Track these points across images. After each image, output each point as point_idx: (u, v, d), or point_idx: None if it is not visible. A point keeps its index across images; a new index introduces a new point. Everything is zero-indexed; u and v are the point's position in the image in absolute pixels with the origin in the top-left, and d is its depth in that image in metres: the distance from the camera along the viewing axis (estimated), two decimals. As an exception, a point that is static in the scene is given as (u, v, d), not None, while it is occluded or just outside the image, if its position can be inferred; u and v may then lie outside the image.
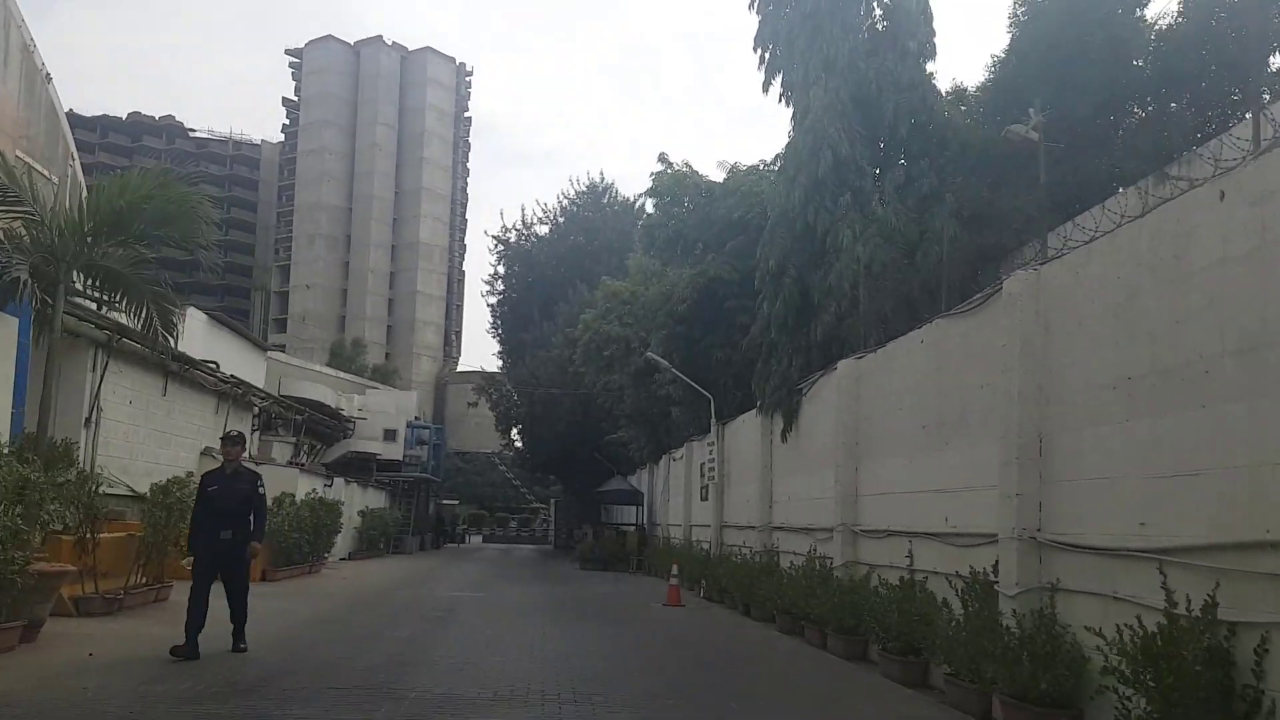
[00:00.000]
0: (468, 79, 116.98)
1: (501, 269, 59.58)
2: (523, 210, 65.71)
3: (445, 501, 68.92)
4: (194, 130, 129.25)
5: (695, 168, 26.42)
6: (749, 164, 25.46)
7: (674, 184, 26.16)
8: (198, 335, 30.38)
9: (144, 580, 16.38)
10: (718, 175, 25.64)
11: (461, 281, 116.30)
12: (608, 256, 52.97)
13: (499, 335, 60.89)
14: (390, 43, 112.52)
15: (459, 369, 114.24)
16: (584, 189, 56.96)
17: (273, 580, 23.87)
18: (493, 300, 60.49)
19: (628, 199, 56.98)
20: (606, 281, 37.68)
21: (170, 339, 15.72)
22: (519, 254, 58.71)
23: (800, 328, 17.73)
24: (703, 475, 27.04)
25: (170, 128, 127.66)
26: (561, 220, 58.34)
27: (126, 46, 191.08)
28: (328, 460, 43.68)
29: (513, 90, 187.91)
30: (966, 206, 16.38)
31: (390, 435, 46.17)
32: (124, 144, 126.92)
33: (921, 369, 12.51)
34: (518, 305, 58.08)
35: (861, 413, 14.49)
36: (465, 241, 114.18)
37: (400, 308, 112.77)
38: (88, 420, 22.56)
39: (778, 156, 25.39)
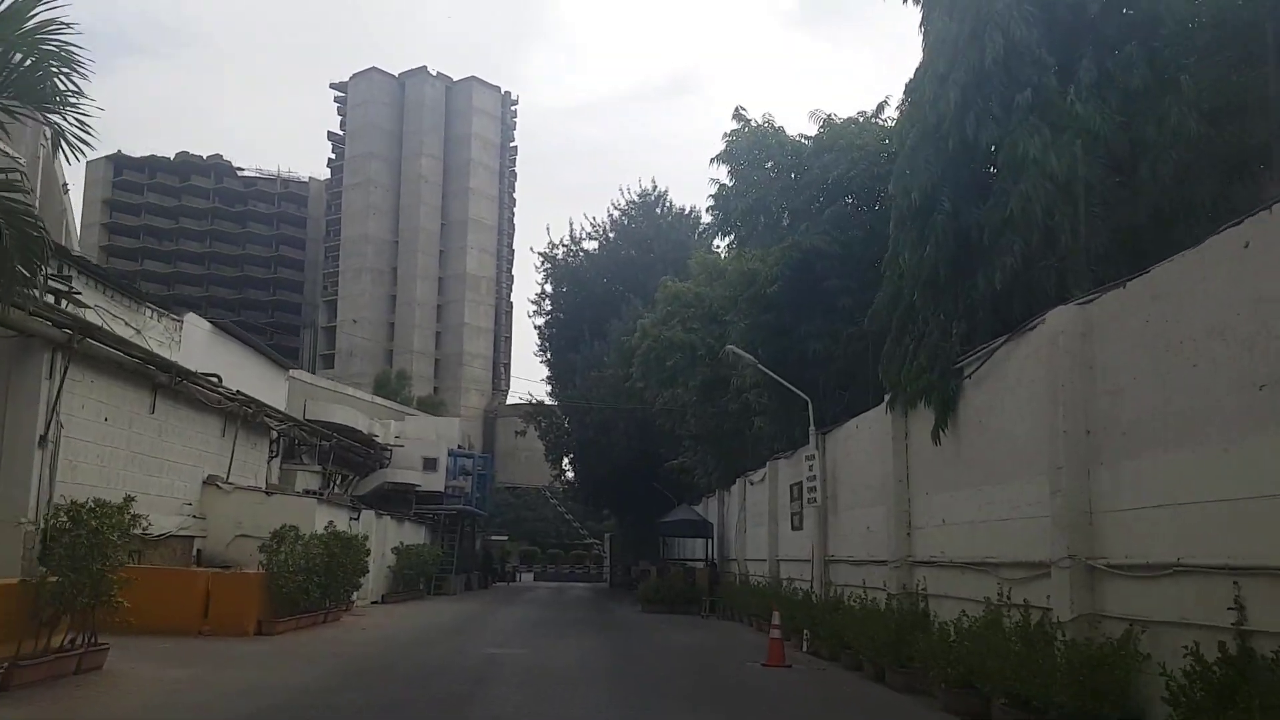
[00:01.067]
0: (513, 107, 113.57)
1: (549, 288, 55.00)
2: (570, 225, 61.77)
3: (494, 538, 63.99)
4: (242, 169, 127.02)
5: (779, 125, 21.41)
6: (846, 115, 20.45)
7: (753, 144, 21.23)
8: (198, 345, 25.82)
9: (52, 645, 11.53)
10: (809, 128, 20.63)
11: (509, 313, 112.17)
12: (663, 269, 48.00)
13: (547, 358, 56.15)
14: (435, 73, 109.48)
15: (508, 402, 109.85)
16: (635, 199, 52.27)
17: (271, 634, 18.97)
18: (540, 321, 55.89)
19: (682, 209, 52.23)
20: (668, 282, 32.73)
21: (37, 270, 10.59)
22: (567, 271, 54.05)
23: (958, 282, 12.54)
24: (795, 499, 21.85)
25: (218, 167, 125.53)
26: (612, 235, 53.66)
27: (175, 88, 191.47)
28: (362, 492, 38.96)
29: (559, 118, 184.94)
30: (1206, 97, 11.20)
31: (430, 465, 41.43)
32: (172, 184, 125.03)
33: (1243, 290, 7.32)
34: (567, 325, 53.33)
35: (1099, 385, 9.27)
36: (513, 272, 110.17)
37: (448, 341, 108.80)
38: (42, 439, 17.86)
39: (882, 105, 20.42)
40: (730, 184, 21.59)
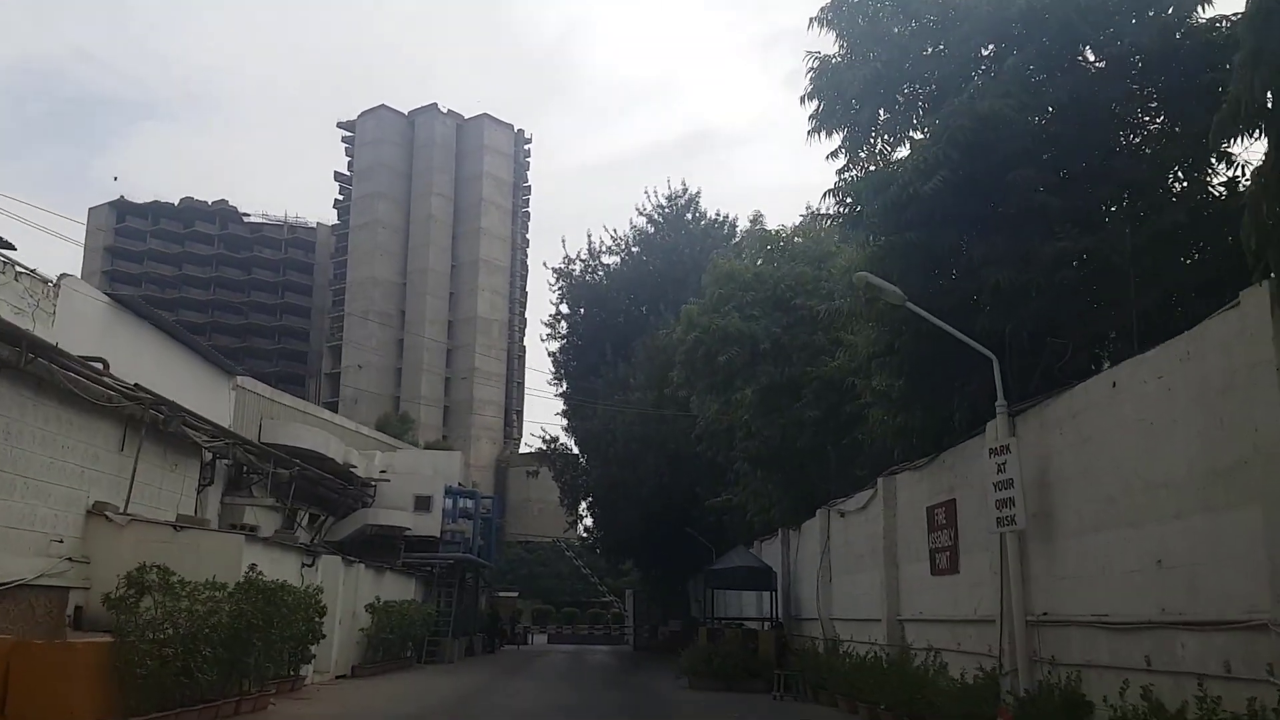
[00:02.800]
0: (526, 145, 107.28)
1: (564, 308, 47.49)
2: (589, 238, 53.92)
3: (502, 594, 55.72)
4: (248, 215, 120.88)
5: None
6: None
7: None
8: (88, 325, 18.35)
9: None
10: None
11: (522, 358, 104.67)
12: (695, 281, 40.71)
13: (562, 389, 48.45)
14: (445, 110, 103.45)
15: (521, 450, 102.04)
16: (662, 203, 44.93)
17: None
18: (554, 347, 48.29)
19: (716, 217, 44.85)
20: (719, 260, 25.16)
21: None
22: (584, 289, 46.60)
23: None
24: (942, 526, 14.09)
25: (224, 213, 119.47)
26: (635, 249, 46.30)
27: (179, 133, 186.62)
28: (339, 537, 31.13)
29: (571, 159, 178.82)
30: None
31: (423, 504, 33.63)
32: (176, 230, 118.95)
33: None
34: (585, 350, 45.75)
35: None
36: (525, 315, 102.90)
37: (457, 387, 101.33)
38: None
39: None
40: (840, 54, 14.06)
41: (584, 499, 47.98)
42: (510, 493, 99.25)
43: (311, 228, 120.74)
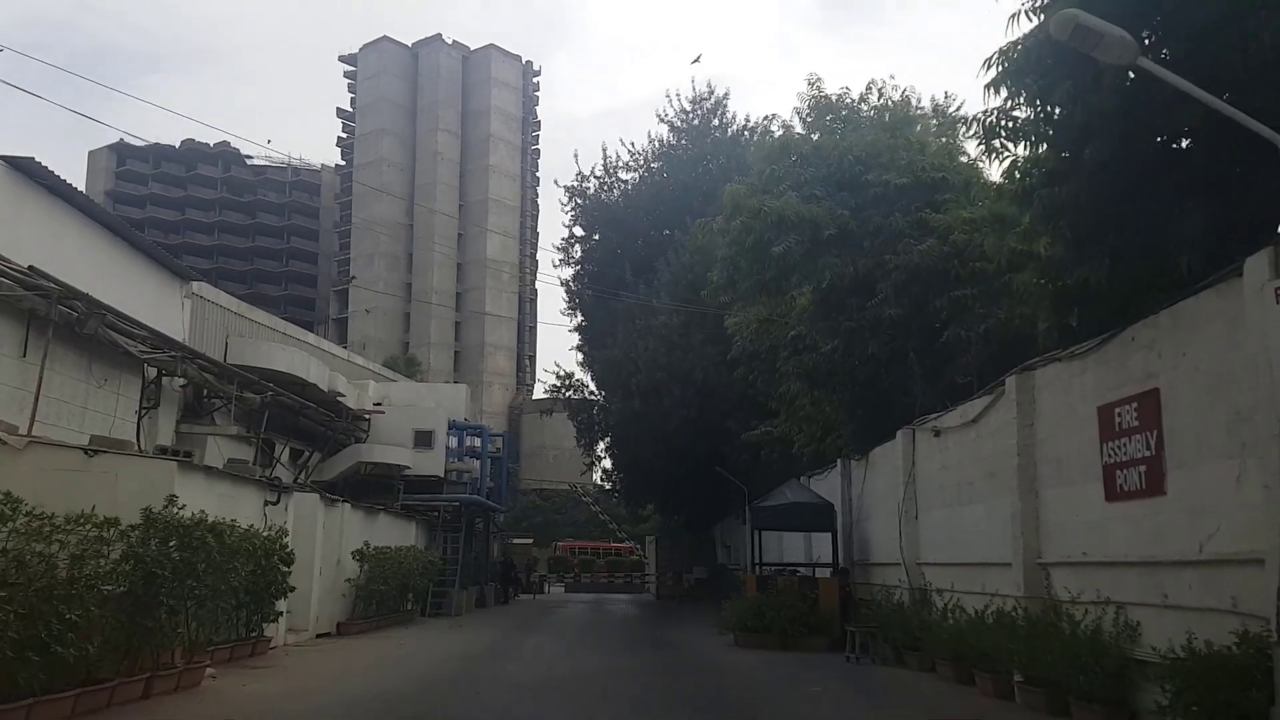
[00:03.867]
0: (535, 79, 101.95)
1: (578, 230, 42.94)
2: (604, 153, 48.83)
3: (516, 541, 51.88)
4: (251, 158, 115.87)
5: None
6: None
7: None
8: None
9: None
10: None
11: (534, 301, 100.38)
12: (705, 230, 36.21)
13: (576, 317, 44.07)
14: (450, 41, 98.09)
15: (534, 396, 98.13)
16: (685, 107, 40.15)
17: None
18: (567, 274, 43.85)
19: (747, 123, 40.03)
20: (773, 131, 20.58)
21: None
22: (600, 210, 42.03)
23: None
24: (1121, 433, 9.75)
25: (226, 155, 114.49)
26: (655, 164, 41.65)
27: (184, 80, 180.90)
28: (328, 476, 27.06)
29: (583, 105, 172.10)
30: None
31: (424, 440, 29.44)
32: (178, 174, 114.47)
33: None
34: (601, 276, 41.24)
35: None
36: (537, 257, 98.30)
37: (468, 332, 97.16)
38: None
39: None
40: None
41: (602, 439, 43.80)
42: (524, 439, 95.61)
43: (316, 170, 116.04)
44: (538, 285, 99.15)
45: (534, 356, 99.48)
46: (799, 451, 25.02)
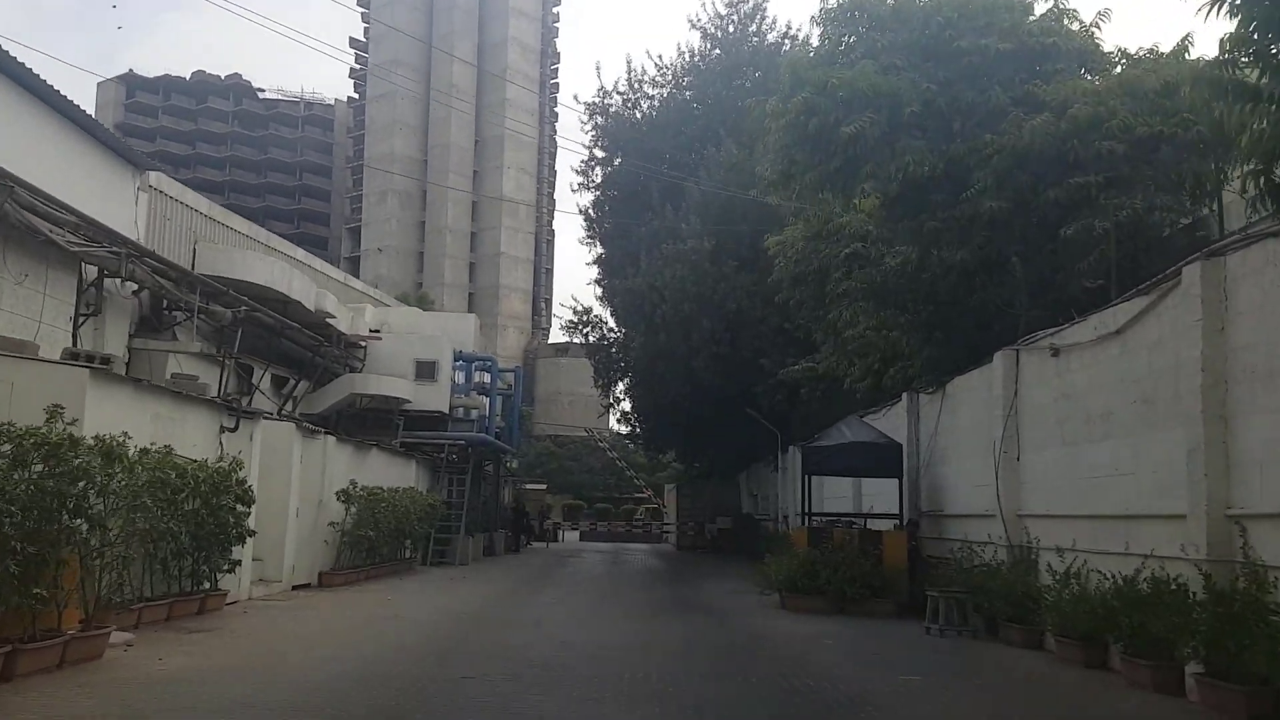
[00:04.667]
0: (555, 9, 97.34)
1: (599, 151, 39.36)
2: (629, 66, 43.68)
3: (529, 486, 49.06)
4: (263, 90, 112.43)
5: None
6: None
7: None
8: None
9: None
10: None
11: (551, 243, 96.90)
12: (761, 113, 32.57)
13: (595, 247, 40.66)
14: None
15: (550, 340, 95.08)
16: (720, 10, 36.25)
17: None
18: (586, 200, 40.37)
19: (787, 31, 36.19)
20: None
21: None
22: (624, 130, 38.42)
23: None
24: None
25: (237, 88, 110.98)
26: (685, 80, 37.93)
27: (201, 29, 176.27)
28: (319, 409, 24.04)
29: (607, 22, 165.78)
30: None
31: (426, 371, 26.30)
32: (188, 106, 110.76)
33: None
34: (623, 202, 37.74)
35: None
36: (555, 196, 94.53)
37: (482, 273, 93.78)
38: None
39: None
40: None
41: (621, 379, 40.62)
42: (539, 385, 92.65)
43: (329, 104, 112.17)
44: (555, 227, 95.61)
45: (550, 300, 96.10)
46: (851, 387, 21.73)
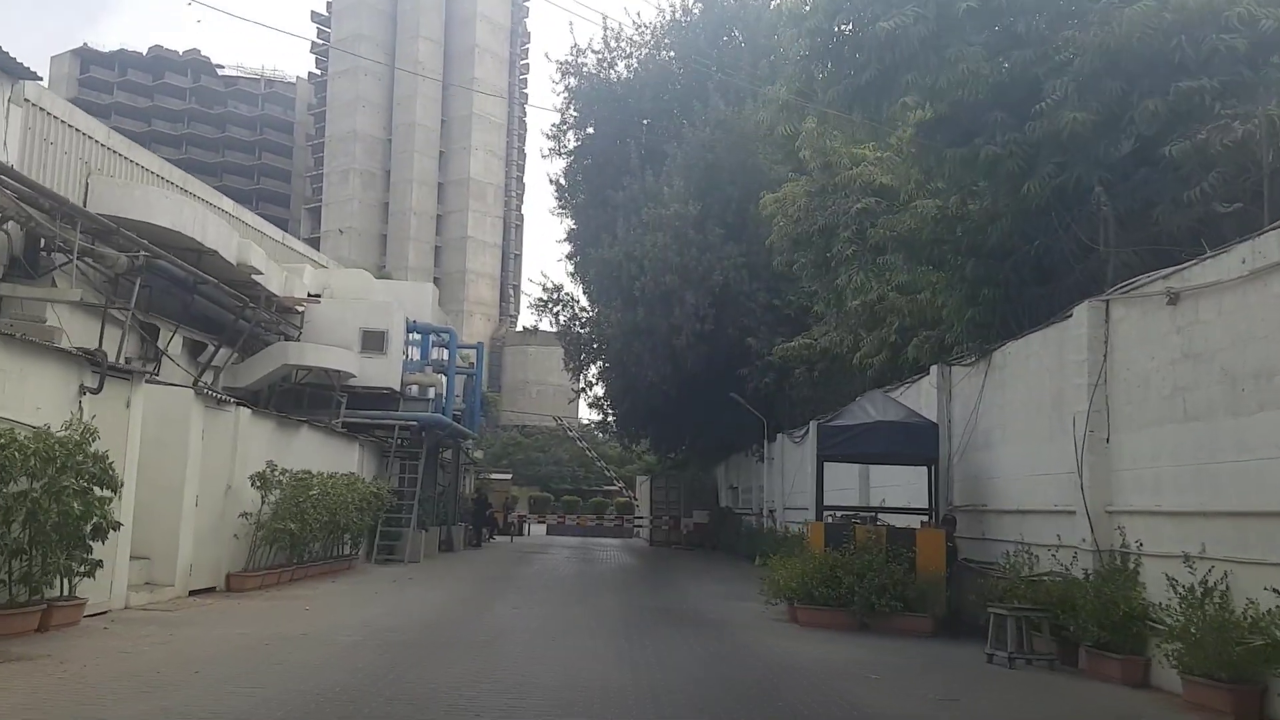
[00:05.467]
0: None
1: (572, 114, 36.05)
2: (604, 23, 41.04)
3: (494, 476, 45.80)
4: (222, 67, 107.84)
5: None
6: None
7: None
8: None
9: None
10: None
11: (520, 228, 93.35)
12: (754, 66, 29.39)
13: (567, 219, 37.41)
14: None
15: (518, 329, 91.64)
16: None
17: None
18: (558, 168, 37.15)
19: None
20: None
21: None
22: (599, 91, 35.15)
23: None
24: None
25: (195, 64, 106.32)
26: (667, 39, 34.78)
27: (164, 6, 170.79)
28: (247, 381, 20.67)
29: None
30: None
31: (374, 343, 22.95)
32: (144, 82, 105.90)
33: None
34: (598, 168, 34.42)
35: None
36: (524, 179, 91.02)
37: (448, 257, 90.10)
38: None
39: None
40: None
41: (594, 362, 37.42)
42: (506, 374, 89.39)
43: (291, 83, 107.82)
44: (524, 212, 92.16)
45: (518, 286, 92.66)
46: (862, 363, 18.73)
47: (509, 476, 48.79)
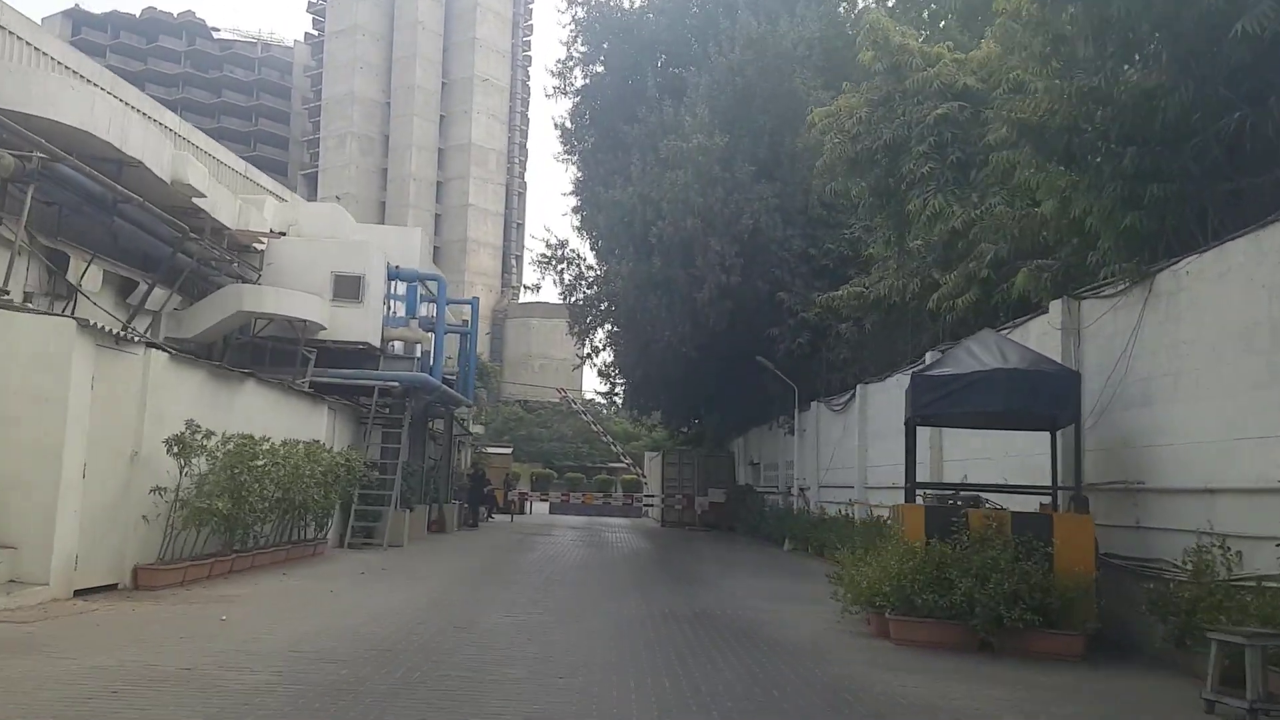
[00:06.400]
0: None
1: (580, 47, 32.20)
2: None
3: (492, 450, 42.26)
4: (218, 30, 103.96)
5: None
6: None
7: None
8: None
9: None
10: None
11: (523, 196, 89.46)
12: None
13: (572, 166, 33.58)
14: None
15: (520, 300, 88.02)
16: None
17: None
18: (564, 109, 33.42)
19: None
20: None
21: None
22: (610, 20, 31.31)
23: None
24: None
25: (190, 26, 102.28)
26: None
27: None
28: (194, 330, 17.06)
29: None
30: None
31: (348, 289, 19.29)
32: (138, 46, 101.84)
33: None
34: (607, 110, 30.62)
35: None
36: (528, 146, 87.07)
37: (448, 225, 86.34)
38: None
39: None
40: None
41: (601, 325, 33.81)
42: (508, 347, 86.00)
43: (288, 47, 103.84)
44: (527, 179, 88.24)
45: (521, 257, 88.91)
46: (939, 306, 15.08)
47: (509, 451, 45.22)
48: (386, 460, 20.51)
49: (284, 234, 19.27)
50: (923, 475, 14.68)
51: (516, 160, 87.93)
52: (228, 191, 17.67)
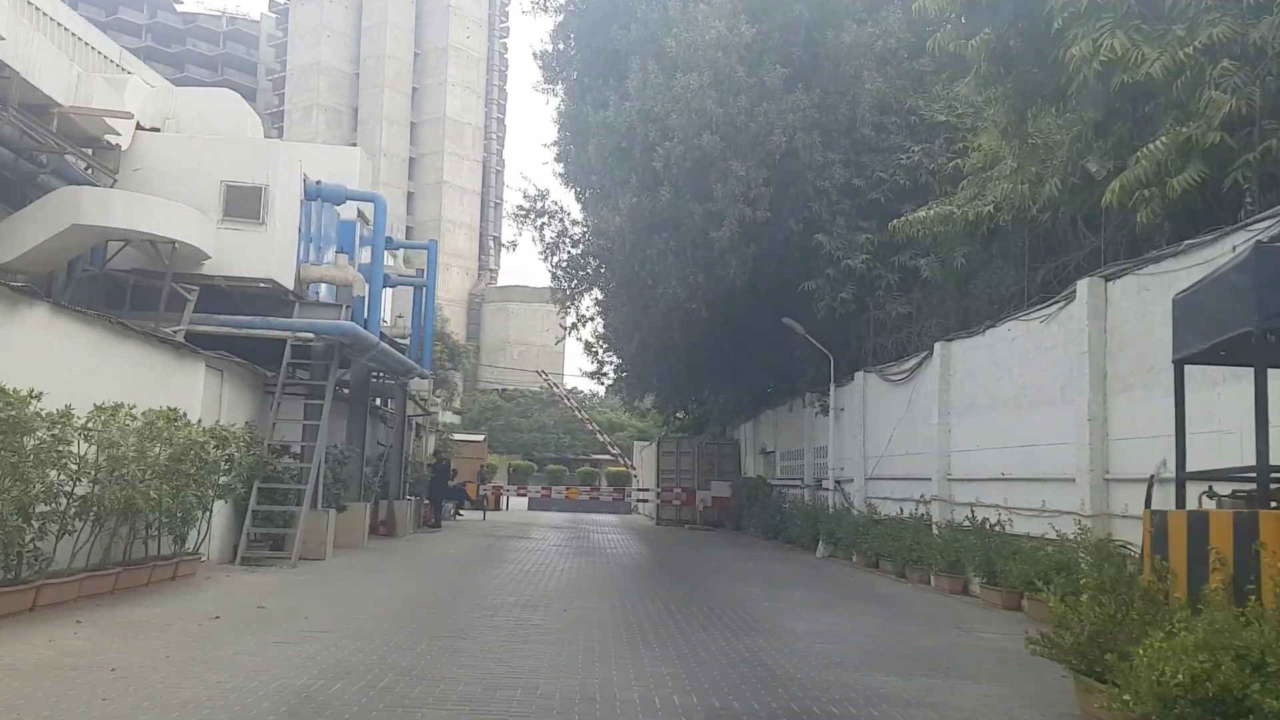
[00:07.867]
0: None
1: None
2: None
3: (461, 438, 36.62)
4: (180, 1, 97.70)
5: None
6: None
7: None
8: None
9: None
10: None
11: (501, 173, 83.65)
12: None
13: (554, 96, 27.87)
14: None
15: (498, 284, 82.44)
16: None
17: None
18: (546, 27, 27.58)
19: None
20: None
21: None
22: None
23: None
24: None
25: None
26: None
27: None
28: (15, 253, 11.35)
29: None
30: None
31: (245, 205, 13.73)
32: (98, 18, 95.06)
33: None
34: (598, 20, 24.98)
35: None
36: (505, 121, 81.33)
37: (421, 204, 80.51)
38: None
39: None
40: None
41: (589, 289, 28.35)
42: (486, 333, 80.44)
43: (254, 20, 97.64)
44: (505, 156, 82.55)
45: (498, 238, 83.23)
46: (1123, 194, 9.67)
47: (482, 439, 39.60)
48: (305, 442, 14.96)
49: (153, 124, 13.62)
50: (1067, 459, 9.41)
51: (494, 136, 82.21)
52: (59, 51, 12.01)
